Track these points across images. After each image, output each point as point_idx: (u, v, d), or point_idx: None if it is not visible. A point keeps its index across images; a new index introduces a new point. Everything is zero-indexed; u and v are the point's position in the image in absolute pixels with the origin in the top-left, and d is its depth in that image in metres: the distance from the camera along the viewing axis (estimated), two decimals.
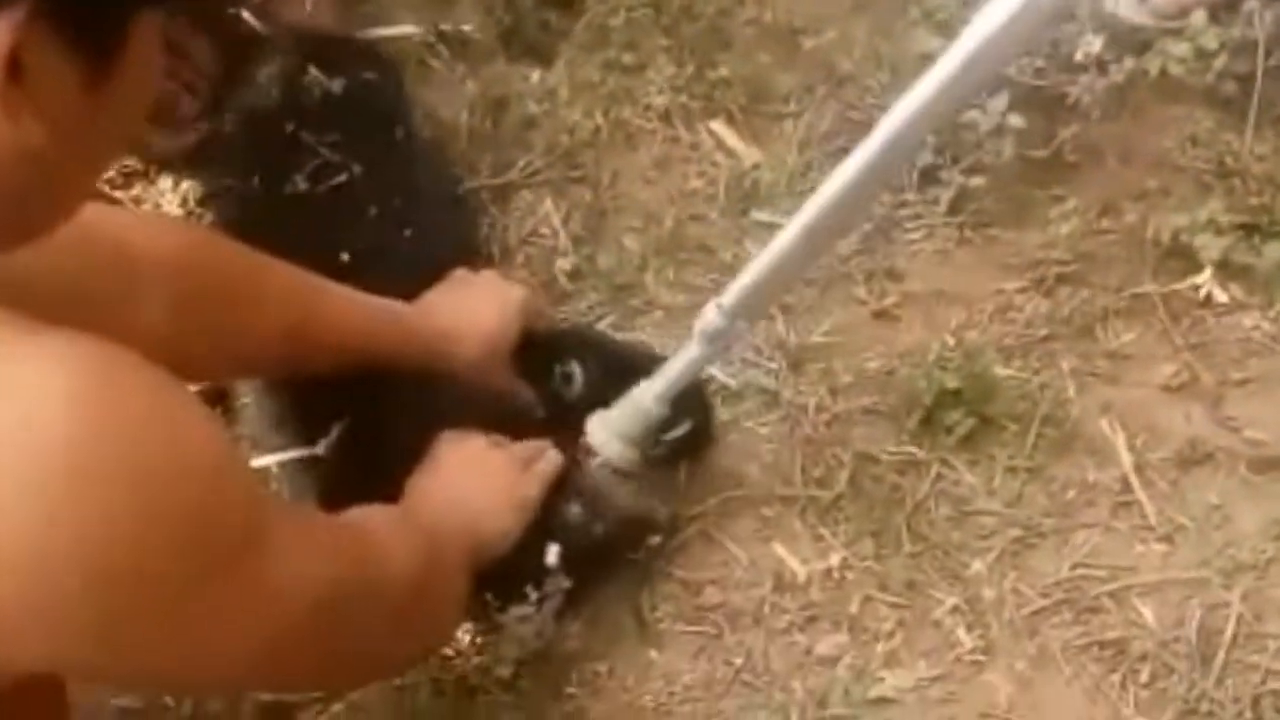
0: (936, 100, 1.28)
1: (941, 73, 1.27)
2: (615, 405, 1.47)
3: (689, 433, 1.50)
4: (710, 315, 1.41)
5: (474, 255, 1.64)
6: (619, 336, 1.63)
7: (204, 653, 0.94)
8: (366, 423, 1.50)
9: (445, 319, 1.50)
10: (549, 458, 1.46)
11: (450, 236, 1.62)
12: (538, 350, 1.54)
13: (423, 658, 1.38)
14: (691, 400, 1.52)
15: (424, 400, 1.50)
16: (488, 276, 1.59)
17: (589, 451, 1.48)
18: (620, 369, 1.53)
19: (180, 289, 1.23)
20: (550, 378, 1.53)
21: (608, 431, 1.47)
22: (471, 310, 1.51)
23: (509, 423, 1.51)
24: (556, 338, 1.58)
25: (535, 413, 1.53)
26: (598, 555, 1.46)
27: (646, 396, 1.46)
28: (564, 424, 1.51)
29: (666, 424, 1.48)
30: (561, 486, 1.46)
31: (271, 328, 1.35)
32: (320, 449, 1.51)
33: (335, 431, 1.51)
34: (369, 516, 1.22)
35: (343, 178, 1.57)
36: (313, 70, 1.62)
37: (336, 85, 1.62)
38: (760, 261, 1.39)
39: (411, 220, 1.58)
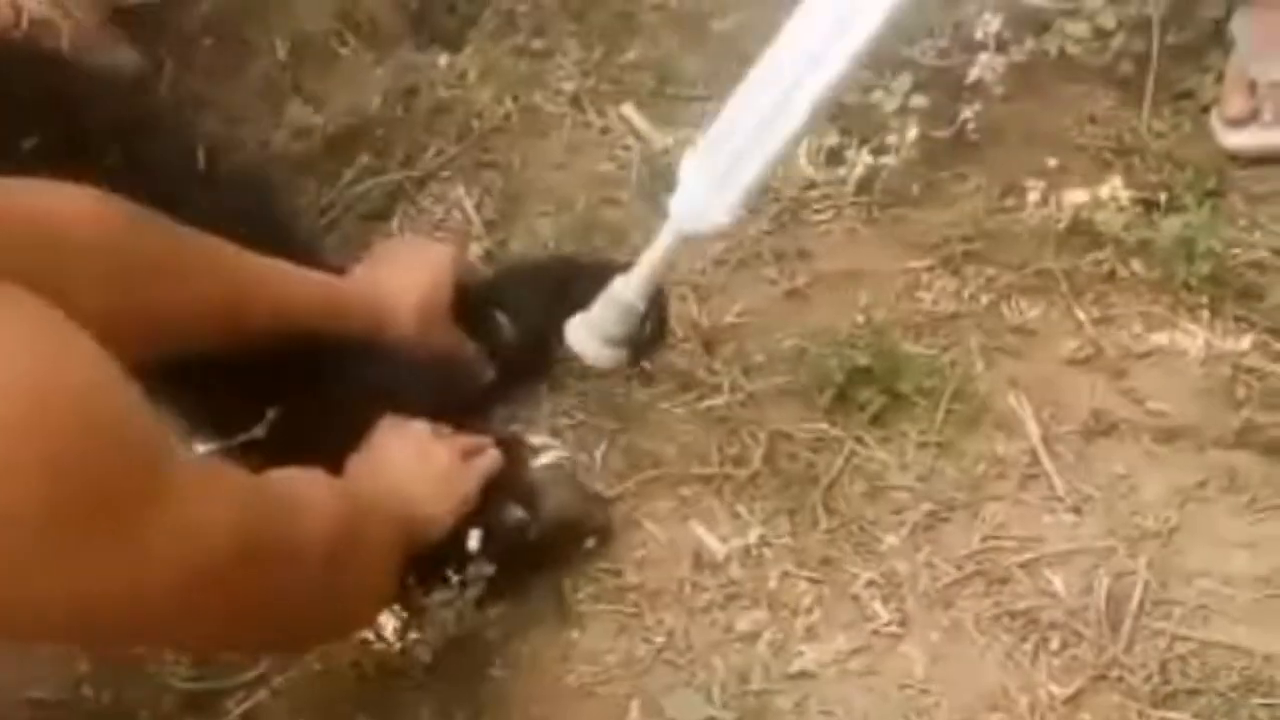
0: None
1: None
2: (594, 306, 1.48)
3: (649, 330, 1.53)
4: (684, 164, 1.41)
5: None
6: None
7: (98, 599, 0.93)
8: (305, 405, 1.49)
9: (380, 286, 1.51)
10: (490, 455, 1.47)
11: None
12: (468, 303, 1.56)
13: (342, 630, 1.38)
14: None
15: (364, 378, 1.50)
16: (413, 240, 1.60)
17: (530, 449, 1.50)
18: (552, 295, 1.57)
19: (107, 264, 1.22)
20: (479, 332, 1.56)
21: (589, 334, 1.48)
22: (404, 274, 1.52)
23: (455, 397, 1.53)
24: (486, 285, 1.60)
25: (484, 373, 1.55)
26: (532, 555, 1.47)
27: (626, 292, 1.47)
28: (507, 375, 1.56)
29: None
30: (500, 482, 1.47)
31: (201, 300, 1.34)
32: (259, 432, 1.50)
33: (272, 414, 1.50)
34: (290, 475, 1.21)
35: None
36: None
37: None
38: (728, 110, 1.39)
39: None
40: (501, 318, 1.57)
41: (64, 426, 0.85)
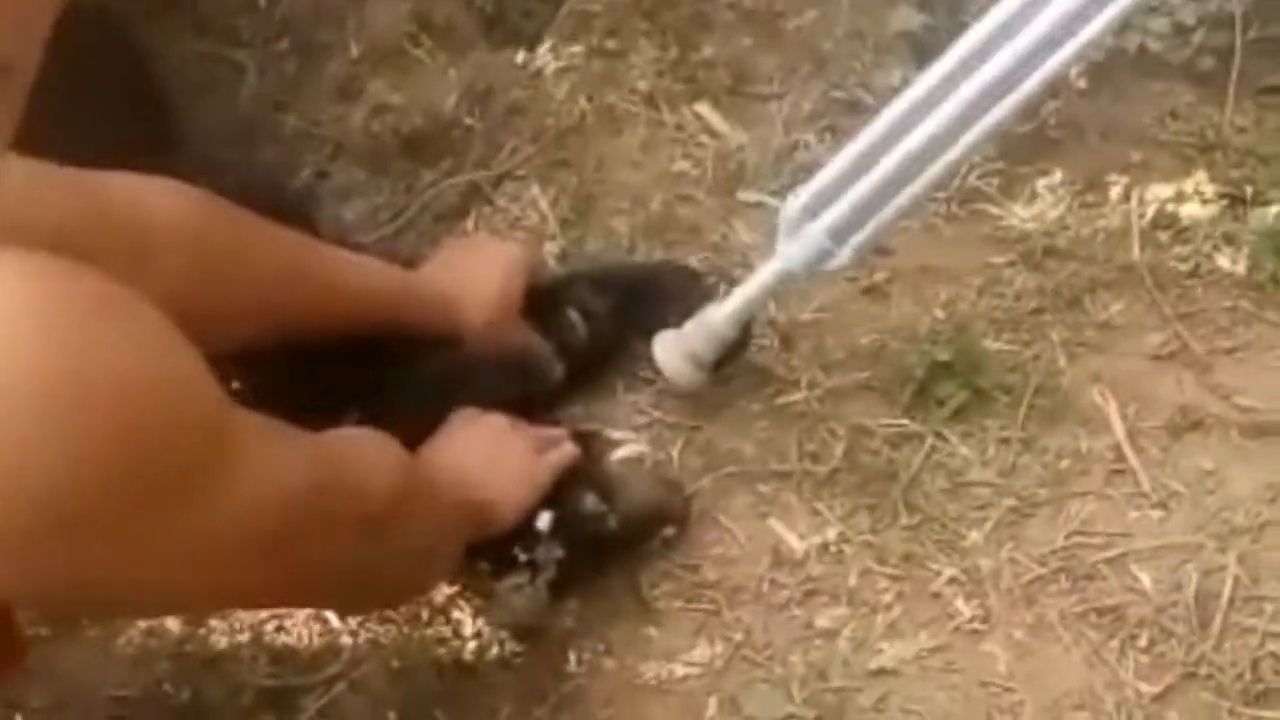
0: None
1: None
2: (686, 325, 1.50)
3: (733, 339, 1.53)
4: (789, 206, 1.41)
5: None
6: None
7: (177, 567, 0.93)
8: (376, 404, 1.49)
9: (451, 283, 1.51)
10: (565, 449, 1.47)
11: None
12: (540, 300, 1.56)
13: (407, 591, 1.38)
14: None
15: (435, 375, 1.50)
16: (484, 237, 1.61)
17: (608, 442, 1.51)
18: (626, 297, 1.58)
19: (192, 254, 1.22)
20: (553, 329, 1.56)
21: (675, 352, 1.49)
22: (475, 271, 1.53)
23: (527, 394, 1.53)
24: (553, 284, 1.59)
25: (554, 369, 1.55)
26: (609, 545, 1.46)
27: (718, 318, 1.48)
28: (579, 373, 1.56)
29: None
30: (578, 472, 1.47)
31: (280, 293, 1.34)
32: None
33: (353, 415, 1.50)
34: (356, 434, 1.21)
35: None
36: None
37: None
38: (839, 158, 1.39)
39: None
40: (575, 316, 1.56)
41: (133, 395, 0.84)
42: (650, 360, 1.53)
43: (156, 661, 1.44)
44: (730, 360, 1.54)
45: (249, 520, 0.96)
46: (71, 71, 1.47)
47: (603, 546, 1.45)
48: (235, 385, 1.40)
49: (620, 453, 1.52)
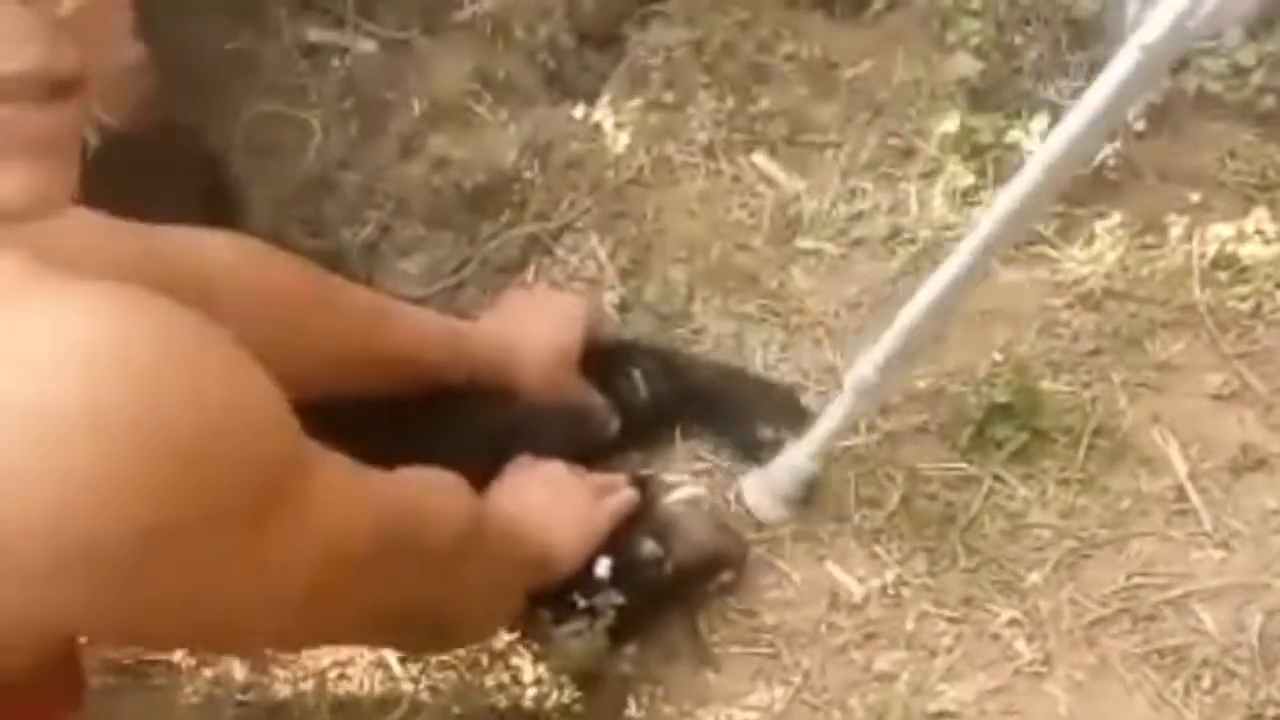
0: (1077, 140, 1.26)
1: (1088, 106, 1.23)
2: (770, 466, 1.51)
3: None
4: (864, 371, 1.41)
5: None
6: None
7: (247, 603, 0.93)
8: (438, 459, 1.51)
9: (509, 335, 1.53)
10: (625, 494, 1.47)
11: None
12: (601, 358, 1.58)
13: (466, 637, 1.38)
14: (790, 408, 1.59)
15: (491, 426, 1.52)
16: (545, 290, 1.64)
17: (664, 486, 1.52)
18: (676, 373, 1.59)
19: (253, 308, 1.23)
20: (614, 385, 1.57)
21: (762, 493, 1.51)
22: (534, 324, 1.54)
23: (585, 444, 1.54)
24: (617, 345, 1.62)
25: (610, 424, 1.56)
26: (667, 589, 1.47)
27: (799, 456, 1.49)
28: (634, 434, 1.58)
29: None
30: (635, 518, 1.47)
31: (341, 347, 1.36)
32: None
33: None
34: (424, 475, 1.21)
35: None
36: None
37: None
38: (905, 317, 1.39)
39: None
40: (638, 376, 1.57)
41: (206, 427, 0.83)
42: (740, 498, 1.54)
43: (221, 709, 1.45)
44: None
45: (321, 553, 0.96)
46: (148, 174, 1.53)
47: (661, 592, 1.45)
48: None
49: (677, 495, 1.53)
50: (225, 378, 0.87)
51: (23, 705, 0.92)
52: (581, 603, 1.40)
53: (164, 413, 0.81)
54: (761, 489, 1.52)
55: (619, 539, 1.44)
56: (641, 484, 1.51)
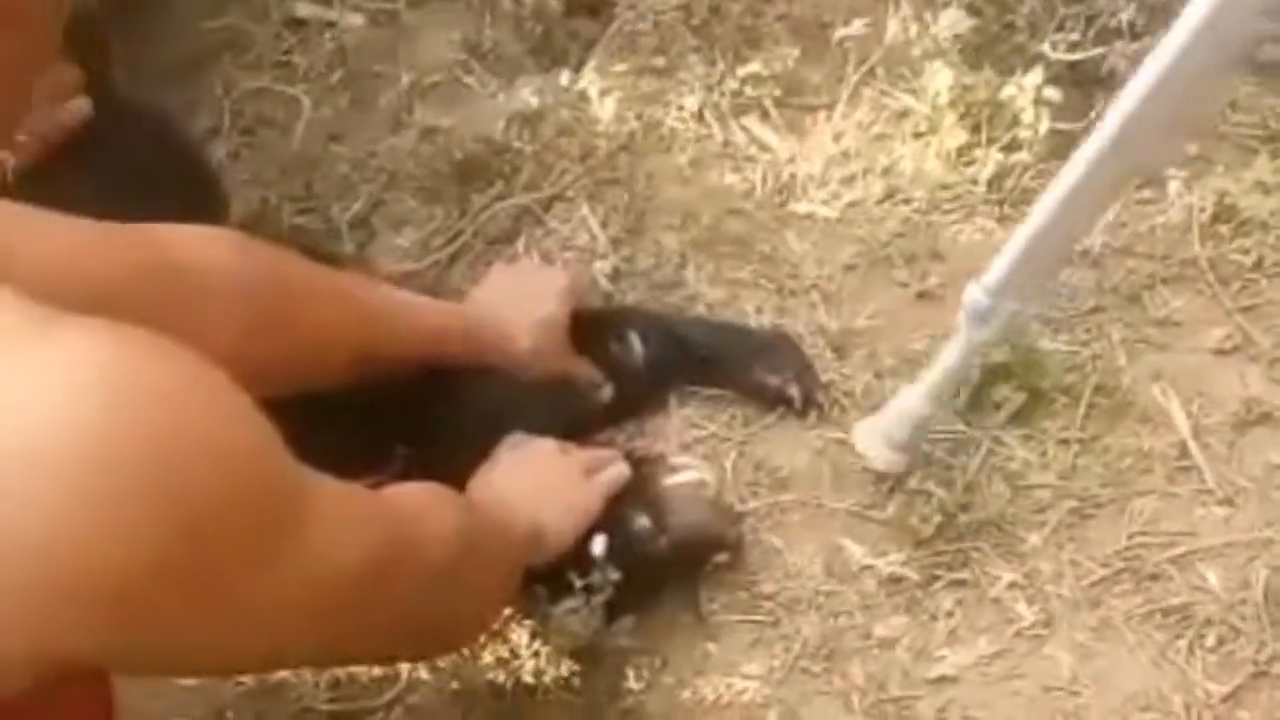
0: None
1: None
2: (882, 412, 1.48)
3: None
4: (973, 295, 1.37)
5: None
6: None
7: (249, 632, 0.93)
8: (429, 437, 1.50)
9: (498, 311, 1.52)
10: (615, 470, 1.46)
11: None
12: (592, 326, 1.56)
13: (462, 639, 1.37)
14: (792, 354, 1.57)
15: (484, 403, 1.51)
16: (529, 264, 1.64)
17: (668, 466, 1.51)
18: (672, 334, 1.58)
19: (242, 303, 1.22)
20: (609, 350, 1.56)
21: (876, 439, 1.47)
22: (521, 298, 1.53)
23: (577, 415, 1.54)
24: (607, 313, 1.61)
25: (603, 392, 1.55)
26: (660, 567, 1.46)
27: (913, 399, 1.45)
28: (631, 398, 1.57)
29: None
30: (630, 494, 1.46)
31: (332, 337, 1.35)
32: (390, 473, 1.51)
33: (402, 453, 1.51)
34: (414, 491, 1.21)
35: None
36: None
37: None
38: (1017, 237, 1.34)
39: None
40: (633, 338, 1.56)
41: (203, 466, 0.84)
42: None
43: (220, 688, 1.45)
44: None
45: (321, 584, 0.97)
46: (127, 162, 1.51)
47: (656, 568, 1.44)
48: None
49: (678, 478, 1.51)
50: (217, 414, 0.87)
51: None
52: (578, 581, 1.38)
53: (156, 451, 0.82)
54: (873, 435, 1.48)
55: (614, 515, 1.43)
56: (639, 462, 1.50)
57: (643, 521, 1.44)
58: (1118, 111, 1.26)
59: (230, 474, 0.86)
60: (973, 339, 1.40)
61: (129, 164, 1.51)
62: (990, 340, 1.42)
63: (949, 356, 1.42)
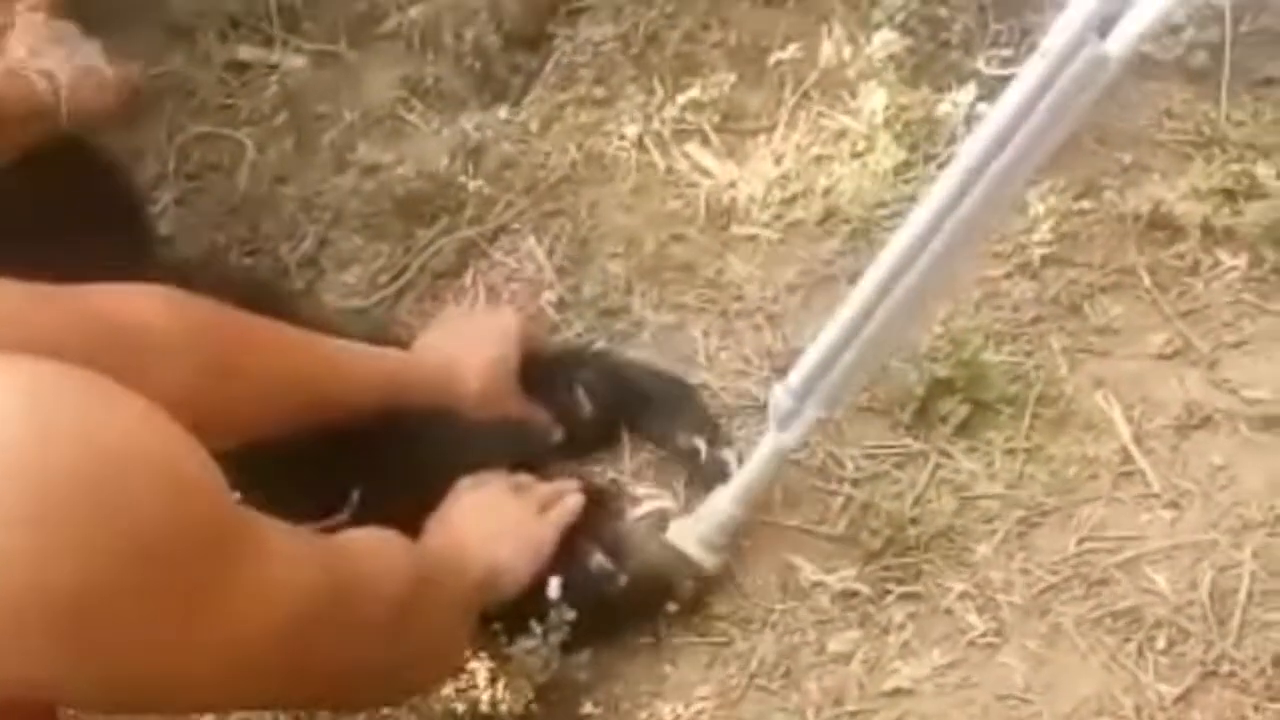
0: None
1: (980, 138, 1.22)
2: (695, 514, 1.46)
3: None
4: (778, 395, 1.37)
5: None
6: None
7: (180, 668, 0.93)
8: (380, 481, 1.51)
9: (446, 354, 1.53)
10: (566, 504, 1.47)
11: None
12: (541, 371, 1.57)
13: (408, 691, 1.37)
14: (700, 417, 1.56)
15: (435, 446, 1.51)
16: (478, 308, 1.65)
17: (630, 498, 1.51)
18: (621, 382, 1.58)
19: (183, 360, 1.23)
20: (559, 397, 1.57)
21: (690, 540, 1.45)
22: (469, 341, 1.54)
23: (528, 456, 1.54)
24: (557, 356, 1.61)
25: (552, 436, 1.56)
26: (619, 605, 1.46)
27: (723, 503, 1.45)
28: (580, 444, 1.57)
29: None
30: (590, 527, 1.46)
31: (275, 388, 1.36)
32: (343, 517, 1.51)
33: (355, 496, 1.51)
34: (364, 536, 1.22)
35: None
36: None
37: None
38: (819, 342, 1.34)
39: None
40: (580, 392, 1.57)
41: (142, 494, 0.85)
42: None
43: None
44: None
45: (267, 621, 0.97)
46: (47, 190, 1.51)
47: (613, 608, 1.44)
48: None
49: (640, 509, 1.51)
50: (156, 437, 0.88)
51: None
52: (535, 626, 1.39)
53: (99, 482, 0.83)
54: (688, 536, 1.46)
55: (571, 551, 1.44)
56: (598, 492, 1.50)
57: (599, 560, 1.44)
58: (917, 220, 1.26)
59: (172, 496, 0.87)
60: (778, 442, 1.40)
61: (58, 188, 1.51)
62: (795, 444, 1.40)
63: (757, 460, 1.42)
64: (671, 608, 1.46)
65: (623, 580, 1.44)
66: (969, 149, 1.23)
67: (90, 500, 0.82)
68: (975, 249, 1.38)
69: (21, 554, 0.81)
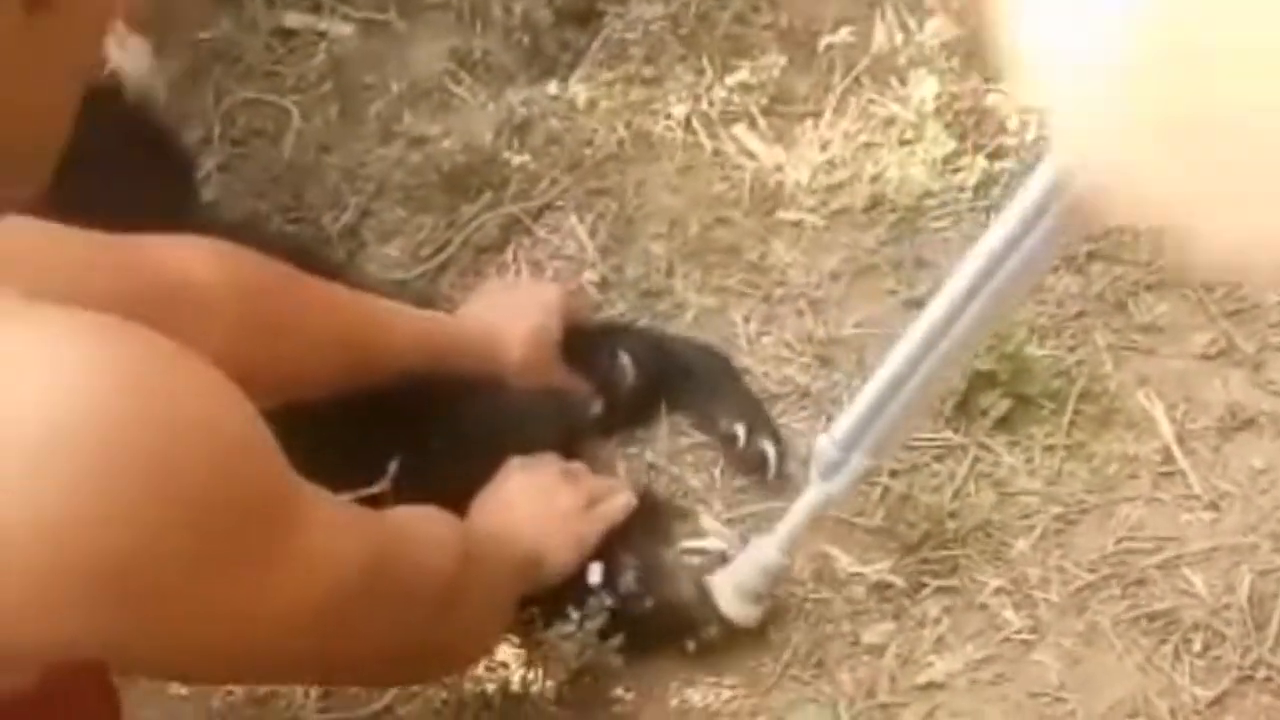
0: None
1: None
2: (735, 564, 1.43)
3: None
4: (823, 445, 1.33)
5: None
6: None
7: (230, 636, 0.93)
8: (421, 451, 1.50)
9: (488, 323, 1.53)
10: (614, 502, 1.46)
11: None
12: (583, 343, 1.57)
13: (449, 668, 1.38)
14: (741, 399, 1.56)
15: (474, 417, 1.51)
16: (521, 279, 1.65)
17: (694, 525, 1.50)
18: (664, 355, 1.58)
19: (230, 315, 1.23)
20: (601, 368, 1.56)
21: (729, 592, 1.42)
22: (512, 311, 1.54)
23: (567, 429, 1.54)
24: (600, 329, 1.61)
25: (593, 407, 1.56)
26: (637, 620, 1.43)
27: (766, 553, 1.41)
28: (620, 417, 1.57)
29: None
30: (638, 537, 1.46)
31: (322, 346, 1.36)
32: (383, 486, 1.51)
33: (394, 467, 1.51)
34: (413, 514, 1.21)
35: None
36: None
37: None
38: (868, 389, 1.30)
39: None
40: (625, 360, 1.57)
41: (199, 460, 0.85)
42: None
43: (210, 696, 1.45)
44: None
45: (314, 594, 0.97)
46: (96, 145, 1.51)
47: (631, 624, 1.42)
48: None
49: (697, 543, 1.48)
50: (214, 402, 0.88)
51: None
52: (573, 611, 1.39)
53: (163, 444, 0.82)
54: (729, 588, 1.42)
55: (609, 554, 1.43)
56: (652, 503, 1.50)
57: (629, 580, 1.42)
58: (968, 269, 1.22)
59: (228, 462, 0.86)
60: (823, 492, 1.35)
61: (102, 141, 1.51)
62: (841, 495, 1.35)
63: (800, 509, 1.38)
64: (690, 646, 1.44)
65: (648, 604, 1.43)
66: (1033, 184, 1.18)
67: (149, 465, 0.82)
68: (1026, 292, 1.34)
69: (84, 514, 0.80)
